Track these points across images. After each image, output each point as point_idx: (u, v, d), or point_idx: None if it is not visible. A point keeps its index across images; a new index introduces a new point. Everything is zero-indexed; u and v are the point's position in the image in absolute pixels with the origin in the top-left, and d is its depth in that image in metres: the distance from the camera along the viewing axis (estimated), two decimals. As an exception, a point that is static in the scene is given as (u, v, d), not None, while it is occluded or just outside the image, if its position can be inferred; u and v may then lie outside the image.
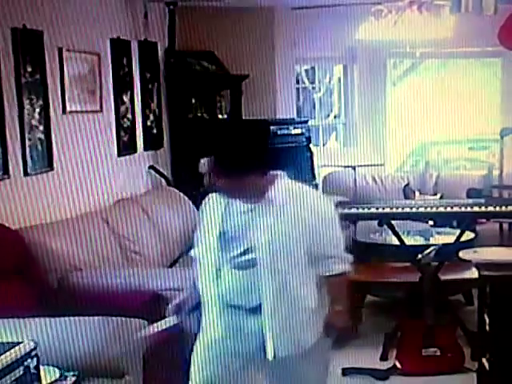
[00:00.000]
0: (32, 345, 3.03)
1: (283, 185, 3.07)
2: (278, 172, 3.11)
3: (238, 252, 2.99)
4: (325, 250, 3.05)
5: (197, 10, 7.20)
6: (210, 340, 3.06)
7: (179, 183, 6.77)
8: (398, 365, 4.93)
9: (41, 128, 4.94)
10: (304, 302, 3.00)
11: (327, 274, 3.06)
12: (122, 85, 6.15)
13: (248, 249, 2.97)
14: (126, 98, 6.20)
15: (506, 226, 6.99)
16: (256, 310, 2.98)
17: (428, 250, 4.92)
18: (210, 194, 3.18)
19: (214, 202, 3.13)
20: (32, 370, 3.00)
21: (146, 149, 6.58)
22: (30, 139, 4.81)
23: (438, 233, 6.41)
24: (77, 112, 5.44)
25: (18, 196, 4.65)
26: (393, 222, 5.43)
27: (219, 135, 3.22)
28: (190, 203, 6.47)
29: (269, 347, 2.97)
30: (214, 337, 3.04)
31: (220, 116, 7.30)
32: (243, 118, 7.40)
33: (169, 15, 6.90)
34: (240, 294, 2.99)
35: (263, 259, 2.95)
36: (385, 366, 5.00)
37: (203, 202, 3.20)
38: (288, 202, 3.01)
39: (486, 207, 5.21)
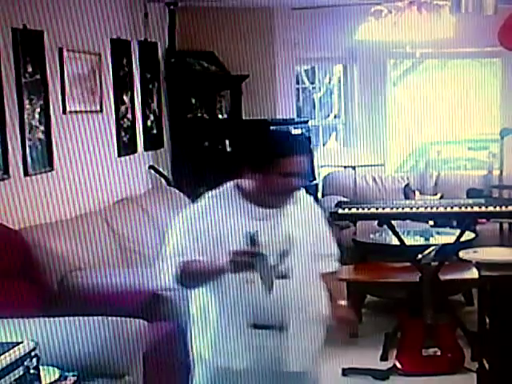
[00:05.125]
0: (32, 345, 3.03)
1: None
2: None
3: (272, 263, 2.75)
4: (326, 249, 3.04)
5: (197, 10, 7.20)
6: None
7: (179, 183, 6.77)
8: (398, 365, 4.93)
9: (41, 128, 4.94)
10: (319, 313, 2.95)
11: (328, 271, 3.05)
12: (122, 85, 6.15)
13: (280, 260, 2.79)
14: (126, 98, 6.20)
15: (506, 226, 6.99)
16: (281, 324, 2.86)
17: (428, 250, 4.92)
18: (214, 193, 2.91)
19: (230, 206, 2.85)
20: (32, 371, 3.00)
21: (146, 149, 6.58)
22: (30, 139, 4.81)
23: (438, 233, 6.41)
24: (77, 112, 5.44)
25: (19, 196, 4.65)
26: (393, 222, 5.43)
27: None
28: (190, 203, 6.46)
29: (288, 361, 2.89)
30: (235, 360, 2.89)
31: (220, 116, 7.29)
32: (243, 118, 7.41)
33: (169, 15, 6.90)
34: (268, 309, 2.83)
35: (294, 269, 2.82)
36: (385, 366, 5.00)
37: (208, 203, 2.90)
38: (300, 204, 2.93)
39: (486, 207, 5.21)
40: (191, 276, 2.78)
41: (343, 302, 3.14)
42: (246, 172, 2.83)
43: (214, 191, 2.92)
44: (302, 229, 2.90)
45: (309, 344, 2.94)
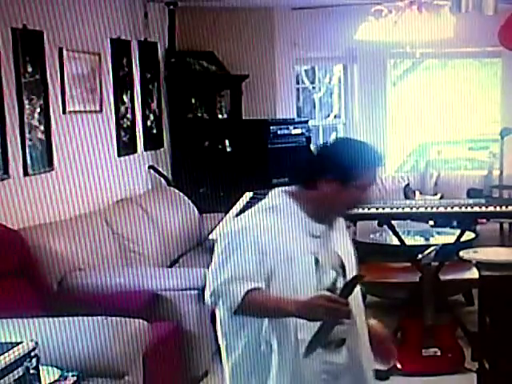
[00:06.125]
0: (32, 345, 3.03)
1: None
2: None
3: (330, 281, 2.59)
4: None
5: (197, 10, 7.20)
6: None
7: (179, 183, 6.77)
8: (399, 365, 4.92)
9: (41, 128, 4.94)
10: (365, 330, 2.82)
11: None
12: (122, 85, 6.14)
13: (336, 278, 2.62)
14: (126, 98, 6.20)
15: (506, 226, 6.99)
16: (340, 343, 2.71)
17: (428, 250, 4.91)
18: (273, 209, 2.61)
19: (291, 220, 2.61)
20: (32, 371, 3.00)
21: (145, 149, 6.58)
22: (30, 139, 4.80)
23: (439, 233, 6.41)
24: (77, 112, 5.43)
25: (19, 196, 4.65)
26: (393, 222, 5.42)
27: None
28: (190, 203, 6.47)
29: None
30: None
31: (220, 116, 7.29)
32: (243, 118, 7.40)
33: (169, 15, 6.89)
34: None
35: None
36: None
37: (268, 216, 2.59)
38: (340, 220, 2.79)
39: (487, 207, 5.20)
40: (252, 311, 2.55)
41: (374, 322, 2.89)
42: (326, 181, 2.57)
43: (266, 202, 2.65)
44: (344, 246, 2.74)
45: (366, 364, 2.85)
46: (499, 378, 4.10)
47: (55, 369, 3.36)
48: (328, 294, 2.49)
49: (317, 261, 2.60)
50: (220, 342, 2.73)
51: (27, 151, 4.77)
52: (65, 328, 3.57)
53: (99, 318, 3.64)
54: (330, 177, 2.57)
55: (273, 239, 2.56)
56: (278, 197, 2.65)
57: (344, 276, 2.66)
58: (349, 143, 2.74)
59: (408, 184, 7.76)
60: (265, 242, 2.55)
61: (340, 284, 2.58)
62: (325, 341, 2.58)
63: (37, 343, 3.06)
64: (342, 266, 2.69)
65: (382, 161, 2.64)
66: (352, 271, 2.71)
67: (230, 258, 2.56)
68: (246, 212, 2.66)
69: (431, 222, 6.69)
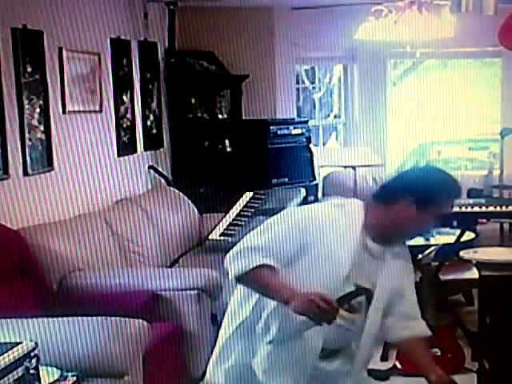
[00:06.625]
0: (32, 345, 3.03)
1: None
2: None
3: (343, 294, 2.61)
4: (415, 310, 2.84)
5: (197, 10, 7.20)
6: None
7: (179, 183, 6.77)
8: (398, 365, 4.92)
9: (41, 128, 4.94)
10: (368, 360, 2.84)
11: (422, 334, 2.84)
12: (122, 85, 6.14)
13: (358, 291, 2.65)
14: (125, 98, 6.20)
15: (506, 226, 7.00)
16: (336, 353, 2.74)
17: (428, 250, 4.91)
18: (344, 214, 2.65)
19: (349, 231, 2.63)
20: (32, 371, 3.00)
21: (145, 149, 6.58)
22: (29, 139, 4.80)
23: (439, 233, 6.39)
24: (77, 112, 5.43)
25: (18, 196, 4.65)
26: (393, 222, 5.41)
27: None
28: (190, 203, 6.46)
29: None
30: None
31: (220, 116, 7.29)
32: (243, 118, 7.40)
33: (169, 15, 6.89)
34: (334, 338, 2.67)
35: (373, 309, 2.68)
36: (385, 366, 4.99)
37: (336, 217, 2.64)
38: (403, 253, 2.77)
39: (487, 207, 5.20)
40: (253, 283, 2.58)
41: (438, 369, 2.79)
42: (404, 200, 2.63)
43: (341, 200, 2.71)
44: (387, 278, 2.71)
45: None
46: (499, 378, 4.09)
47: (55, 369, 3.35)
48: (324, 293, 2.48)
49: (348, 273, 2.60)
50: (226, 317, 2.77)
51: (27, 151, 4.77)
52: (64, 328, 3.56)
53: (99, 318, 3.64)
54: (409, 197, 2.62)
55: (318, 230, 2.58)
56: (352, 201, 2.71)
57: (368, 301, 2.67)
58: (437, 171, 2.80)
59: (408, 184, 7.75)
60: (310, 229, 2.58)
61: (359, 300, 2.62)
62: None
63: (36, 343, 3.06)
64: (370, 291, 2.67)
65: (460, 194, 2.76)
66: (380, 306, 2.69)
67: (268, 230, 2.60)
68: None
69: (431, 222, 6.68)
